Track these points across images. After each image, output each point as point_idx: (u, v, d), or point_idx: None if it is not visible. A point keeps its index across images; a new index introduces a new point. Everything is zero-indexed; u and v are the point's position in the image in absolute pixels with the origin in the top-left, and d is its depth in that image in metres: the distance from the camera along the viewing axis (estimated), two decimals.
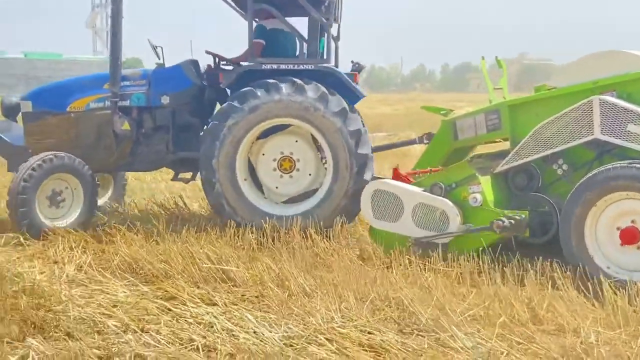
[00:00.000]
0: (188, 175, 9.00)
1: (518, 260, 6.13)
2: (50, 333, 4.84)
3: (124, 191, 9.96)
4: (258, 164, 7.95)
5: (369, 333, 4.77)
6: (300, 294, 5.58)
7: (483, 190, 6.57)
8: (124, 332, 4.82)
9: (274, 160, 7.94)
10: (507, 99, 7.44)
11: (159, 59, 8.48)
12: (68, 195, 8.02)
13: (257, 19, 8.60)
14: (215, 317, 5.09)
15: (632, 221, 5.87)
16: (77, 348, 4.45)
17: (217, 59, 8.70)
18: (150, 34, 32.76)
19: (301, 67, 7.96)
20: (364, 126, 7.96)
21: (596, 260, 5.97)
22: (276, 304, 5.39)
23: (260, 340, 4.66)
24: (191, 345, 4.61)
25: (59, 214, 7.96)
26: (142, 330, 4.87)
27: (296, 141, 7.94)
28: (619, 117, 6.09)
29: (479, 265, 6.11)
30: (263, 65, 7.96)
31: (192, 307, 5.33)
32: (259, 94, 7.66)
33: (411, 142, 9.12)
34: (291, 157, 7.95)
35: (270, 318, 5.10)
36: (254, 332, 4.80)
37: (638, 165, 5.85)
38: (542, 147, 6.46)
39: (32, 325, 4.96)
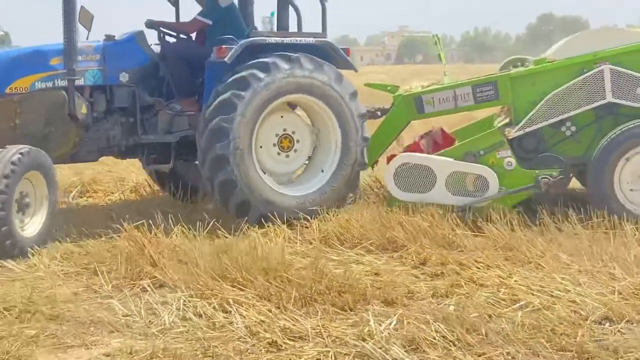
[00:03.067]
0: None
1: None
2: None
3: None
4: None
5: None
6: None
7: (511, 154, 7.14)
8: None
9: (276, 136, 7.38)
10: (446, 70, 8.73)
11: (88, 31, 7.38)
12: (32, 199, 6.48)
13: None
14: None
15: None
16: None
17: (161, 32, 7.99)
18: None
19: (304, 40, 7.49)
20: None
21: (621, 200, 6.96)
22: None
23: None
24: None
25: (25, 224, 6.40)
26: None
27: (301, 122, 7.59)
28: (627, 83, 7.00)
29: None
30: (267, 39, 7.38)
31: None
32: (283, 66, 7.11)
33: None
34: (291, 136, 7.44)
35: None
36: None
37: None
38: (556, 112, 7.12)
39: None
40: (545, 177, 7.00)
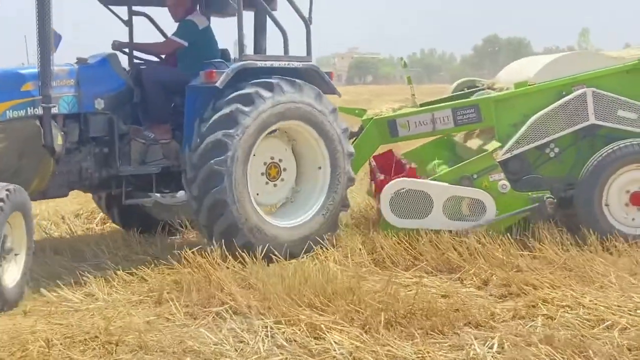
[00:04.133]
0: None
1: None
2: None
3: None
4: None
5: None
6: None
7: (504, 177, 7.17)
8: None
9: (264, 164, 7.03)
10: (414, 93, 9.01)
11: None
12: (12, 242, 5.63)
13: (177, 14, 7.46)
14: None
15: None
16: None
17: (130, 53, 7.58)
18: None
19: (291, 64, 7.17)
20: None
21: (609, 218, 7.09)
22: None
23: None
24: None
25: (5, 271, 5.52)
26: None
27: (285, 149, 7.19)
28: (609, 105, 7.23)
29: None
30: (258, 63, 6.99)
31: None
32: (265, 95, 6.71)
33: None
34: (278, 164, 7.12)
35: None
36: None
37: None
38: (542, 135, 7.27)
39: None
40: (550, 198, 7.06)
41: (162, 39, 7.77)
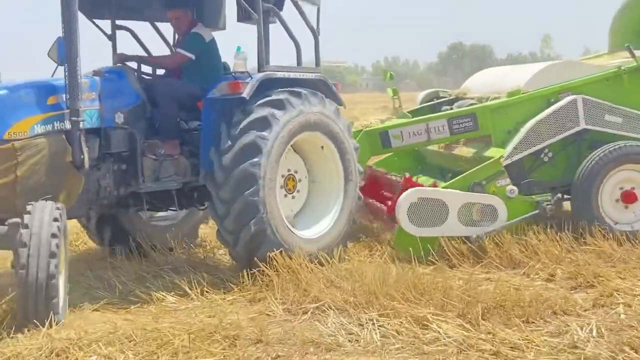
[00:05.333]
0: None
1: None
2: None
3: None
4: None
5: None
6: None
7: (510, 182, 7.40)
8: None
9: (282, 177, 6.99)
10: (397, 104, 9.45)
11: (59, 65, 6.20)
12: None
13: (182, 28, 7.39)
14: None
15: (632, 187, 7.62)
16: None
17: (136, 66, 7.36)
18: None
19: (306, 76, 7.19)
20: None
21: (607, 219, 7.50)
22: None
23: None
24: None
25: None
26: None
27: (300, 161, 7.19)
28: (597, 110, 7.72)
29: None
30: (278, 74, 6.97)
31: None
32: (295, 103, 6.74)
33: None
34: (294, 176, 7.13)
35: None
36: None
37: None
38: (539, 140, 7.63)
39: None
40: (550, 204, 7.40)
41: (143, 54, 7.69)
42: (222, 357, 4.64)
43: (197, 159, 6.84)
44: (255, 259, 6.46)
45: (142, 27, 7.85)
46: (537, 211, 7.39)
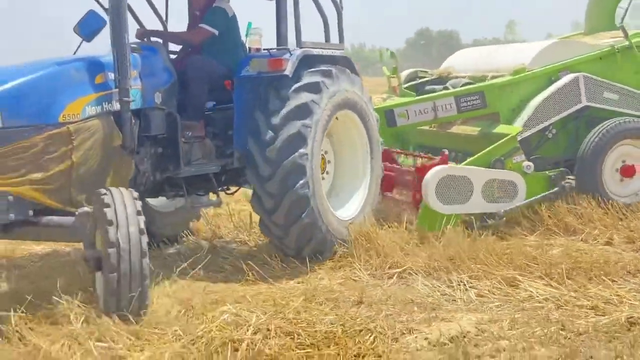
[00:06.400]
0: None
1: None
2: None
3: None
4: None
5: None
6: None
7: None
8: None
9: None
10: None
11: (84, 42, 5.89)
12: None
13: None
14: None
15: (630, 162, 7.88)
16: None
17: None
18: None
19: (335, 53, 7.03)
20: None
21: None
22: None
23: None
24: None
25: None
26: None
27: (327, 141, 6.91)
28: (596, 88, 7.98)
29: None
30: (314, 51, 6.73)
31: None
32: (328, 84, 6.51)
33: None
34: (324, 157, 6.91)
35: None
36: None
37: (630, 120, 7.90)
38: (545, 117, 7.82)
39: None
40: (568, 182, 7.62)
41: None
42: (335, 317, 4.80)
43: (220, 140, 6.65)
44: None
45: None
46: (557, 189, 7.51)
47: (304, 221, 6.24)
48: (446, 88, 8.85)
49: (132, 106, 5.65)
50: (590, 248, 6.54)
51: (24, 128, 4.93)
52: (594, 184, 7.66)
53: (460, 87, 8.65)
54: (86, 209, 4.81)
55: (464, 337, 4.45)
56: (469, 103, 8.10)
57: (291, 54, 6.45)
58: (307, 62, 6.59)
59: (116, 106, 5.56)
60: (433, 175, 7.06)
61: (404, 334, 4.59)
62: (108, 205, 4.57)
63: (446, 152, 7.53)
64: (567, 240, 6.84)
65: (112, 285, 4.46)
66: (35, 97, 5.03)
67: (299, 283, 5.85)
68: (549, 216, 7.19)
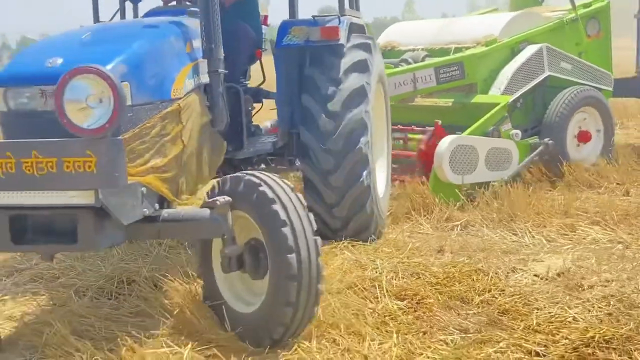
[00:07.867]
0: None
1: None
2: None
3: None
4: None
5: None
6: None
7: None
8: None
9: None
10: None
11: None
12: None
13: None
14: None
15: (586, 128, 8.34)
16: None
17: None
18: None
19: (362, 21, 6.71)
20: None
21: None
22: None
23: None
24: None
25: None
26: None
27: None
28: (555, 58, 8.41)
29: None
30: (353, 19, 6.31)
31: None
32: (369, 59, 6.03)
33: None
34: None
35: None
36: None
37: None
38: (518, 87, 8.16)
39: None
40: (551, 140, 7.89)
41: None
42: (425, 268, 5.11)
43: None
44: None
45: None
46: (541, 147, 7.82)
47: (366, 212, 5.83)
48: (404, 60, 8.78)
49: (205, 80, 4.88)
50: (614, 199, 7.18)
51: (148, 105, 4.10)
52: (562, 148, 8.00)
53: (421, 60, 8.71)
54: (226, 198, 3.94)
55: (568, 271, 4.96)
56: (448, 74, 8.17)
57: (340, 21, 5.92)
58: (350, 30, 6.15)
59: (203, 78, 4.80)
60: (447, 146, 7.11)
61: (509, 273, 5.07)
62: (273, 202, 3.86)
63: (439, 122, 7.68)
64: (591, 193, 7.46)
65: (289, 294, 3.81)
66: (153, 68, 4.22)
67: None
68: (569, 173, 7.80)
